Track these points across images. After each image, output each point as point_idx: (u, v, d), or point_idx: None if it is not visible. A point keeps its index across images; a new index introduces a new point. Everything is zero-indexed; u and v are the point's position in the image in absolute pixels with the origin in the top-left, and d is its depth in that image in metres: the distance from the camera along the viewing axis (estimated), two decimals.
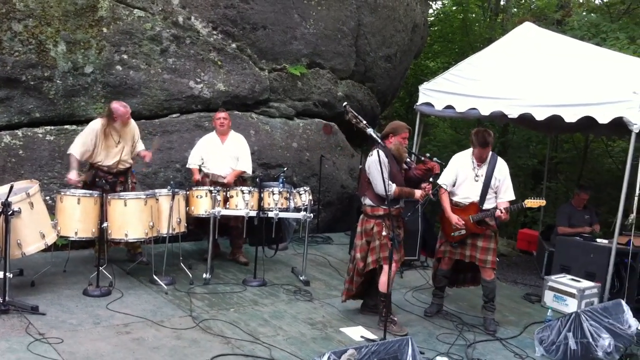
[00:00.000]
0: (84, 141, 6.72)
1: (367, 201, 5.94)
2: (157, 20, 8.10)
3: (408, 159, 6.13)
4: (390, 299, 5.92)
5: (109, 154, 6.82)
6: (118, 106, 6.77)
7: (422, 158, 6.14)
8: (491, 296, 6.26)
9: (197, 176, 7.50)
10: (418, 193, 5.94)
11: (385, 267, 5.75)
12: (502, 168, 6.21)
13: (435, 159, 6.12)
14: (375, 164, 5.63)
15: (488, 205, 6.13)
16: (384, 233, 5.75)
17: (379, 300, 6.03)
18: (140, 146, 7.17)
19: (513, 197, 6.15)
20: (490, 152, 6.23)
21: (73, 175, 6.62)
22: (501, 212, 5.98)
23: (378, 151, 5.65)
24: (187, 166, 7.78)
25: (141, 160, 7.18)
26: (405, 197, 5.98)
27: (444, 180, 6.24)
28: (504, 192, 6.15)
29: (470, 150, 6.25)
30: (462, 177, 6.21)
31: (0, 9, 7.10)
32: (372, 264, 5.89)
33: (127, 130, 6.90)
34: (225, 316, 5.94)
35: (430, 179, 6.10)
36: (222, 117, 7.57)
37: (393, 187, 5.76)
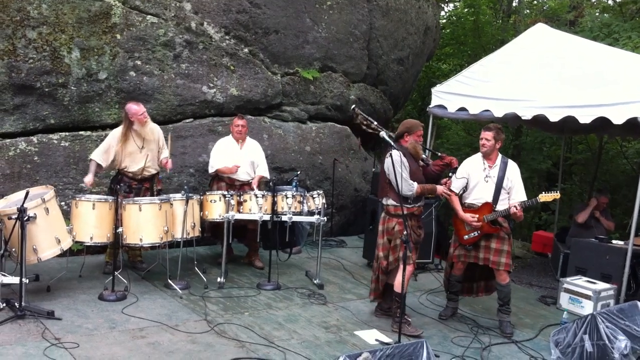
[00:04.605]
0: (104, 146, 6.80)
1: (390, 201, 5.95)
2: (170, 26, 8.14)
3: (424, 156, 6.14)
4: (405, 300, 5.93)
5: (134, 160, 6.84)
6: (131, 105, 6.84)
7: (439, 154, 6.15)
8: (506, 300, 6.22)
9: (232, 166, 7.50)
10: (440, 189, 6.00)
11: (401, 268, 5.78)
12: (513, 169, 6.22)
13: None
14: (396, 165, 5.66)
15: (501, 206, 6.11)
16: (405, 232, 5.76)
17: (393, 301, 6.02)
18: (165, 153, 7.16)
19: (525, 198, 6.14)
20: (500, 155, 6.24)
21: (88, 179, 6.70)
22: (516, 209, 5.96)
23: (397, 152, 5.68)
24: (212, 170, 7.60)
25: (162, 168, 7.18)
26: (427, 194, 6.02)
27: (454, 184, 6.23)
28: (515, 193, 6.15)
29: (480, 153, 6.26)
30: (474, 180, 6.20)
31: (14, 17, 7.17)
32: (393, 262, 5.92)
33: (148, 132, 6.89)
34: (240, 320, 5.95)
35: (450, 174, 6.12)
36: (240, 125, 7.60)
37: (415, 186, 5.80)
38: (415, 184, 5.81)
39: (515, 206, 5.99)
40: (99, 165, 6.78)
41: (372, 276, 6.32)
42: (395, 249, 5.90)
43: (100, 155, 6.77)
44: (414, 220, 5.94)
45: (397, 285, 5.86)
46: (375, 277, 6.23)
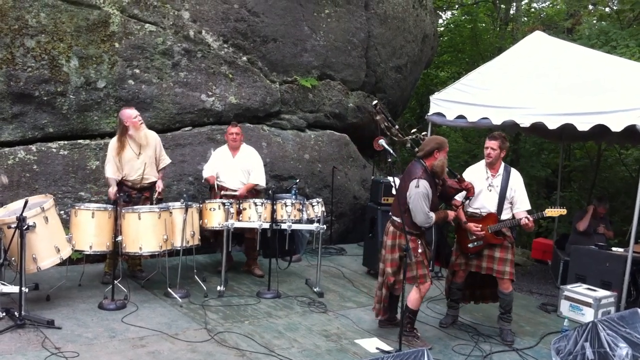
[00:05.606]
0: (110, 162, 6.80)
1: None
2: (169, 35, 8.15)
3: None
4: (416, 315, 5.94)
5: (133, 167, 6.82)
6: (124, 109, 6.85)
7: (458, 176, 6.05)
8: (508, 308, 6.21)
9: (215, 181, 7.53)
10: (451, 215, 5.96)
11: (421, 286, 5.77)
12: (516, 178, 6.18)
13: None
14: (419, 198, 5.56)
15: (505, 216, 6.10)
16: (419, 250, 5.70)
17: (404, 316, 5.79)
18: (166, 160, 7.18)
19: (529, 207, 6.12)
20: (503, 164, 6.22)
21: (112, 190, 6.71)
22: (528, 220, 5.95)
23: (424, 183, 5.58)
24: (204, 178, 7.77)
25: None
26: (440, 223, 5.99)
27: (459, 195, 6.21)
28: (519, 202, 6.11)
29: (483, 161, 6.24)
30: (477, 188, 6.16)
31: (12, 25, 7.17)
32: (406, 281, 5.75)
33: (143, 138, 6.85)
34: (240, 328, 5.94)
35: (464, 201, 6.10)
36: (235, 133, 7.59)
37: (433, 219, 5.69)
38: (433, 215, 5.69)
39: (527, 217, 5.97)
40: (114, 179, 6.80)
41: (377, 292, 6.14)
42: (410, 267, 5.67)
43: (114, 172, 6.77)
44: (424, 237, 5.90)
45: (410, 301, 5.79)
46: (380, 295, 6.06)
